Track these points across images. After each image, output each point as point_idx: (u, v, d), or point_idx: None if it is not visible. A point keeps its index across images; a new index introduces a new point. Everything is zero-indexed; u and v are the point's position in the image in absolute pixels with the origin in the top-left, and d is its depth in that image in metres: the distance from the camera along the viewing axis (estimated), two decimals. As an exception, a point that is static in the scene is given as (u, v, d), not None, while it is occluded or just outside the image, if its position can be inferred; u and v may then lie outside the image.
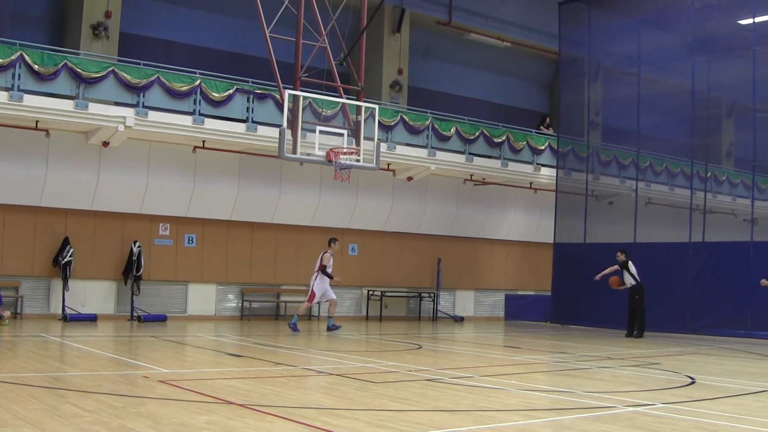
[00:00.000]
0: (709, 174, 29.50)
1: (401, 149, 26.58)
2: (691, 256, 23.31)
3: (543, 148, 30.04)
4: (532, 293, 31.79)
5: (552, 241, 29.29)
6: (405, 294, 29.24)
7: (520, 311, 30.25)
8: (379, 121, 23.01)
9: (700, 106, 27.52)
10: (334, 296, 21.60)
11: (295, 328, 20.97)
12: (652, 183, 30.96)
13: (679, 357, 17.39)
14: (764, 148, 25.82)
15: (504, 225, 31.36)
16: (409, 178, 27.93)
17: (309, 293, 21.25)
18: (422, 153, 27.06)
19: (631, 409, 9.87)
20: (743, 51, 25.11)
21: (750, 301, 22.81)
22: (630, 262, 23.30)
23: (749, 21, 24.89)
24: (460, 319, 29.26)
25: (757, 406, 10.76)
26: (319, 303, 23.35)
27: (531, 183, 30.39)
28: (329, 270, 21.13)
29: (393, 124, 26.24)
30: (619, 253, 23.48)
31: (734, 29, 26.57)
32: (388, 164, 26.76)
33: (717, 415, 9.52)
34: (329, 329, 21.31)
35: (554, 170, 29.76)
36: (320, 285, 21.14)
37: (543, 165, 30.00)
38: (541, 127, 31.82)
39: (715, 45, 26.57)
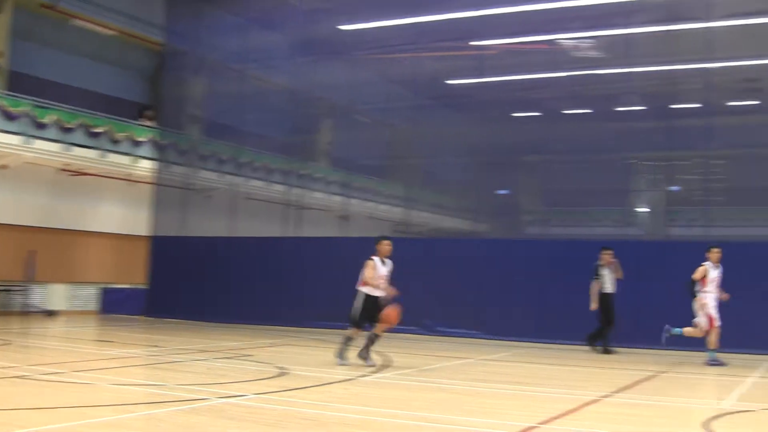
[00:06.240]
0: (305, 172, 30.45)
1: (-5, 135, 25.10)
2: (284, 251, 23.73)
3: (143, 140, 29.52)
4: (127, 287, 31.12)
5: (148, 234, 28.82)
6: (-6, 288, 27.61)
7: (115, 305, 29.46)
8: (-26, 105, 21.81)
9: (301, 106, 28.31)
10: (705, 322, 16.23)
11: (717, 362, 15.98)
12: (251, 178, 31.45)
13: (270, 348, 17.75)
14: (359, 149, 27.02)
15: (100, 217, 30.46)
16: (3, 166, 26.42)
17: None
18: (18, 140, 25.72)
19: (223, 400, 9.90)
20: (345, 55, 26.10)
21: (333, 296, 23.48)
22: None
23: (352, 27, 25.90)
24: (52, 314, 28.09)
25: (343, 393, 11.19)
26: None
27: (129, 175, 29.76)
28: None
29: (-11, 109, 24.77)
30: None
31: (337, 34, 27.56)
32: (-19, 151, 25.21)
33: (306, 404, 9.74)
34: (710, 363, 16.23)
35: (154, 162, 29.32)
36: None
37: (142, 157, 29.45)
38: (142, 119, 31.32)
39: (318, 47, 27.44)
